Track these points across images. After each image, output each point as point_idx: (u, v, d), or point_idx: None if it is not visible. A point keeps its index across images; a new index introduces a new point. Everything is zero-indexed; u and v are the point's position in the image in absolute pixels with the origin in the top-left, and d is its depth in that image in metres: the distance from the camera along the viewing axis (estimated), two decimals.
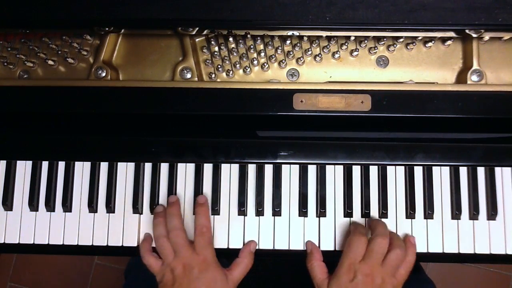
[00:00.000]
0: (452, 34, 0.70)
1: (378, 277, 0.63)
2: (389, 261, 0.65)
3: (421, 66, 0.72)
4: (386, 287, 0.64)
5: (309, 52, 0.72)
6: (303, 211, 0.72)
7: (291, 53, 0.72)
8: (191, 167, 0.74)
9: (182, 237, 0.67)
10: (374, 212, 0.72)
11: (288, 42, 0.71)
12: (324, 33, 0.70)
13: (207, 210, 0.71)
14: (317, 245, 0.72)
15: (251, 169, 0.74)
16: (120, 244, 0.73)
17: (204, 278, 0.65)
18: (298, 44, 0.72)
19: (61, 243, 0.73)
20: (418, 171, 0.73)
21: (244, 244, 0.72)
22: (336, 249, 0.71)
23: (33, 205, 0.74)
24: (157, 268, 0.68)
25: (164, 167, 0.74)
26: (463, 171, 0.73)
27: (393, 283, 0.65)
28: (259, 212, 0.72)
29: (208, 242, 0.68)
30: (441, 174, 0.73)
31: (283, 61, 0.72)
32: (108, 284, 1.56)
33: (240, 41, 0.71)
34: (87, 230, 0.73)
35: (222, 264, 0.69)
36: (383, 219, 0.71)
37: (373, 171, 0.74)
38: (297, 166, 0.73)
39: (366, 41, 0.71)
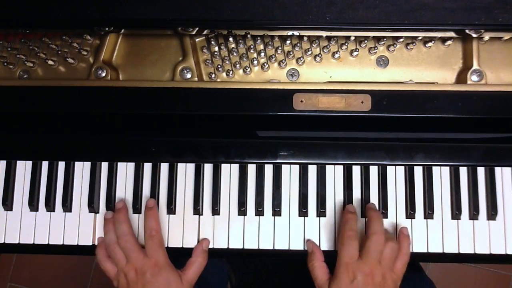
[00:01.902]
0: (452, 34, 0.70)
1: (378, 275, 0.63)
2: (386, 256, 0.65)
3: (421, 66, 0.72)
4: (387, 283, 0.64)
5: (309, 52, 0.72)
6: (303, 211, 0.72)
7: (291, 53, 0.72)
8: (191, 167, 0.74)
9: (132, 242, 0.67)
10: None
11: (288, 42, 0.71)
12: (324, 33, 0.70)
13: (156, 213, 0.70)
14: (317, 245, 0.72)
15: (251, 169, 0.74)
16: None
17: (157, 282, 0.65)
18: (298, 44, 0.72)
19: (61, 243, 0.73)
20: (418, 171, 0.73)
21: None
22: (336, 249, 0.71)
23: (33, 205, 0.74)
24: (113, 274, 0.69)
25: (164, 167, 0.74)
26: (463, 171, 0.73)
27: (393, 277, 0.64)
28: (259, 212, 0.72)
29: (158, 244, 0.68)
30: (441, 174, 0.73)
31: (283, 61, 0.72)
32: (108, 284, 1.56)
33: (240, 41, 0.71)
34: (87, 230, 0.73)
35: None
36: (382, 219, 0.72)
37: (373, 171, 0.74)
38: (297, 166, 0.73)
39: (366, 41, 0.71)
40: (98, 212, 0.74)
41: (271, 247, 0.72)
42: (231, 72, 0.72)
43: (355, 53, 0.71)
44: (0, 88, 0.69)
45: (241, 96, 0.68)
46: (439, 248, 0.71)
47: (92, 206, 0.73)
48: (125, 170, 0.74)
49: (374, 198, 0.73)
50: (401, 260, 0.66)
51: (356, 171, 0.74)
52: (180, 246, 0.72)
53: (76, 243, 0.73)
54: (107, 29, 0.71)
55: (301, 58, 0.72)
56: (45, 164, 0.75)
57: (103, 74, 0.72)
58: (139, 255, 0.67)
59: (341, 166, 0.74)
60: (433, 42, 0.71)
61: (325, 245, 0.72)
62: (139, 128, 0.74)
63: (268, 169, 0.74)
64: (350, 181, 0.73)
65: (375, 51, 0.72)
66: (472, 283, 1.51)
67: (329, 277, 0.66)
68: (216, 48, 0.72)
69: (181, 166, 0.74)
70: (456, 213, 0.72)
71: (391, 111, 0.68)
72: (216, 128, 0.74)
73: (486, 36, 0.69)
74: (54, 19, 0.65)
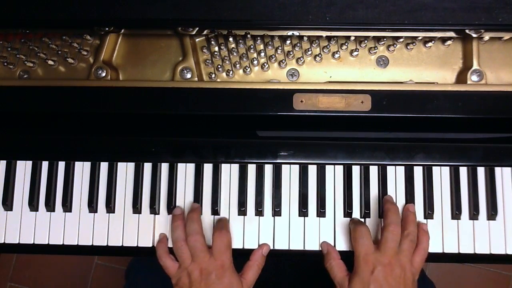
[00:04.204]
0: (452, 34, 0.70)
1: (397, 266, 0.63)
2: (404, 248, 0.65)
3: (421, 66, 0.72)
4: (407, 275, 0.64)
5: (309, 52, 0.72)
6: (303, 211, 0.72)
7: (291, 53, 0.72)
8: (191, 167, 0.74)
9: (201, 242, 0.67)
10: (374, 212, 0.72)
11: (288, 42, 0.71)
12: (324, 33, 0.70)
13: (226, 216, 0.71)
14: (317, 245, 0.72)
15: (251, 169, 0.74)
16: (120, 244, 0.73)
17: (221, 284, 0.65)
18: (298, 44, 0.72)
19: (61, 243, 0.73)
20: (418, 171, 0.73)
21: (258, 246, 0.72)
22: (336, 248, 0.71)
23: (33, 205, 0.74)
24: (174, 270, 0.68)
25: (164, 167, 0.74)
26: (463, 171, 0.73)
27: (412, 271, 0.65)
28: (259, 212, 0.72)
29: (226, 245, 0.67)
30: (441, 174, 0.73)
31: (283, 61, 0.72)
32: (108, 284, 1.56)
33: (240, 41, 0.71)
34: (87, 230, 0.73)
35: None
36: (382, 219, 0.72)
37: (373, 171, 0.74)
38: (297, 166, 0.73)
39: (366, 41, 0.71)
40: (97, 212, 0.74)
41: (271, 247, 0.72)
42: (231, 72, 0.72)
43: (355, 53, 0.71)
44: (0, 88, 0.69)
45: (241, 96, 0.68)
46: (439, 248, 0.71)
47: (92, 206, 0.73)
48: (125, 170, 0.74)
49: (374, 198, 0.73)
50: (420, 255, 0.67)
51: (356, 171, 0.74)
52: None
53: (76, 243, 0.73)
54: (107, 29, 0.71)
55: (301, 58, 0.72)
56: (45, 164, 0.75)
57: (103, 74, 0.72)
58: (206, 255, 0.66)
59: (341, 166, 0.73)
60: (433, 42, 0.71)
61: None
62: (139, 128, 0.74)
63: (268, 169, 0.74)
64: (350, 181, 0.73)
65: (375, 51, 0.72)
66: (472, 283, 1.51)
67: (347, 273, 0.66)
68: (216, 48, 0.72)
69: (181, 166, 0.74)
70: (456, 213, 0.72)
71: (391, 111, 0.68)
72: (216, 128, 0.74)
73: (486, 36, 0.69)
74: (54, 19, 0.65)
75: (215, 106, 0.68)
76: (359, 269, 0.64)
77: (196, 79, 0.71)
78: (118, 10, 0.64)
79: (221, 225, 0.70)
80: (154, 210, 0.73)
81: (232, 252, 0.68)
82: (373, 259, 0.64)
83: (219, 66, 0.71)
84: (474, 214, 0.71)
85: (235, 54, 0.72)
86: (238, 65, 0.72)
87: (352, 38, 0.71)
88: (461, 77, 0.71)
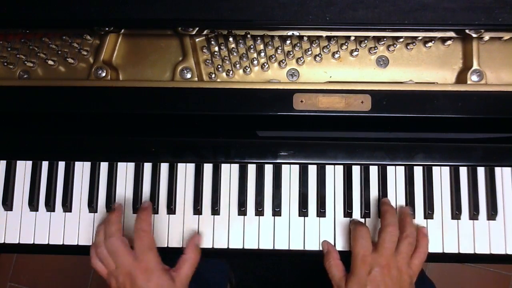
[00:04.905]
0: (452, 34, 0.70)
1: (394, 268, 0.64)
2: (402, 250, 0.65)
3: (421, 66, 0.72)
4: (403, 277, 0.64)
5: (309, 52, 0.72)
6: (303, 211, 0.72)
7: (291, 53, 0.72)
8: (191, 167, 0.74)
9: (118, 245, 0.65)
10: (374, 212, 0.72)
11: (288, 42, 0.71)
12: (324, 33, 0.70)
13: (148, 214, 0.68)
14: (317, 245, 0.72)
15: (251, 169, 0.74)
16: None
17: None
18: (298, 44, 0.72)
19: (61, 243, 0.73)
20: (418, 171, 0.73)
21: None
22: (336, 248, 0.71)
23: (33, 205, 0.74)
24: (105, 274, 0.66)
25: (164, 167, 0.74)
26: (463, 171, 0.73)
27: (409, 273, 0.65)
28: (259, 212, 0.72)
29: (147, 246, 0.65)
30: (441, 174, 0.73)
31: (283, 61, 0.72)
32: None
33: (240, 41, 0.71)
34: (87, 230, 0.73)
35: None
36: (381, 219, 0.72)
37: (373, 171, 0.74)
38: (297, 166, 0.73)
39: (366, 41, 0.71)
40: (97, 212, 0.74)
41: (271, 247, 0.72)
42: (231, 72, 0.72)
43: (355, 53, 0.71)
44: (0, 88, 0.69)
45: (241, 96, 0.68)
46: (439, 248, 0.71)
47: (92, 206, 0.73)
48: (125, 170, 0.74)
49: (374, 198, 0.73)
50: (419, 258, 0.67)
51: (356, 171, 0.74)
52: (180, 246, 0.72)
53: (76, 243, 0.73)
54: (107, 29, 0.71)
55: (301, 58, 0.72)
56: (45, 164, 0.75)
57: (103, 74, 0.72)
58: (127, 259, 0.64)
59: (341, 166, 0.74)
60: (433, 42, 0.71)
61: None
62: (139, 128, 0.74)
63: (268, 169, 0.74)
64: (350, 181, 0.73)
65: (375, 51, 0.72)
66: (472, 283, 1.51)
67: (345, 274, 0.66)
68: (216, 48, 0.72)
69: (181, 166, 0.74)
70: (456, 213, 0.72)
71: (391, 111, 0.68)
72: (216, 128, 0.74)
73: (486, 36, 0.69)
74: (54, 19, 0.65)
75: (215, 106, 0.68)
76: (356, 269, 0.64)
77: (196, 79, 0.72)
78: (118, 10, 0.64)
79: (139, 226, 0.66)
80: (154, 210, 0.73)
81: (157, 251, 0.65)
82: (370, 260, 0.64)
83: (219, 66, 0.71)
84: (474, 214, 0.71)
85: (235, 54, 0.72)
86: (238, 65, 0.72)
87: (352, 38, 0.71)
88: (461, 77, 0.71)
